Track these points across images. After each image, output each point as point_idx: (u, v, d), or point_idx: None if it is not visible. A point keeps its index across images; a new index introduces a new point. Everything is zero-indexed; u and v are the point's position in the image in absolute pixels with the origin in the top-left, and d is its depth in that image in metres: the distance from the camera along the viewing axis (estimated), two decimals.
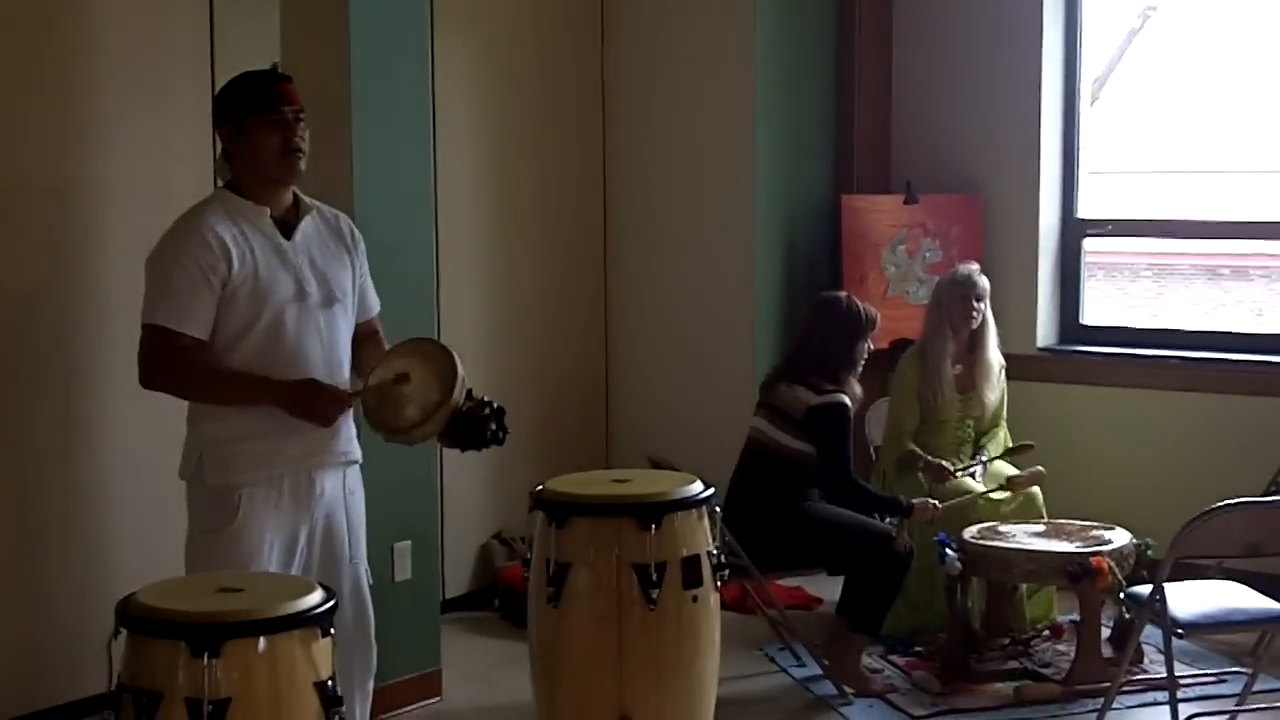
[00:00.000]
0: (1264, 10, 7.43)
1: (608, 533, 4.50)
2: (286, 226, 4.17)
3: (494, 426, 4.16)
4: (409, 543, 5.70)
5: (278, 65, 4.30)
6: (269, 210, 4.14)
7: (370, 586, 4.36)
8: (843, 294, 6.23)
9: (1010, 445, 6.63)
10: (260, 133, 4.09)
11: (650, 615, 4.46)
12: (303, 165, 4.14)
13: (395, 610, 5.32)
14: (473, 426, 4.14)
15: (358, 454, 4.31)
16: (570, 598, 4.51)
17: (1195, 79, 7.74)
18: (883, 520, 5.98)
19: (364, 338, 4.37)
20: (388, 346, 4.38)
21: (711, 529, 4.65)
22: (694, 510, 4.59)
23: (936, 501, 6.03)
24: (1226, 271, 7.87)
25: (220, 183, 4.25)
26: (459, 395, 4.07)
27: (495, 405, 4.17)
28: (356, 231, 4.38)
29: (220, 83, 4.33)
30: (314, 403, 4.07)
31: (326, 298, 4.18)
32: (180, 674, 3.27)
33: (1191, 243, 7.70)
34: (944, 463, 6.37)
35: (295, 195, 4.22)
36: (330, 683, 3.42)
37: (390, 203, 5.51)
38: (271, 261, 4.10)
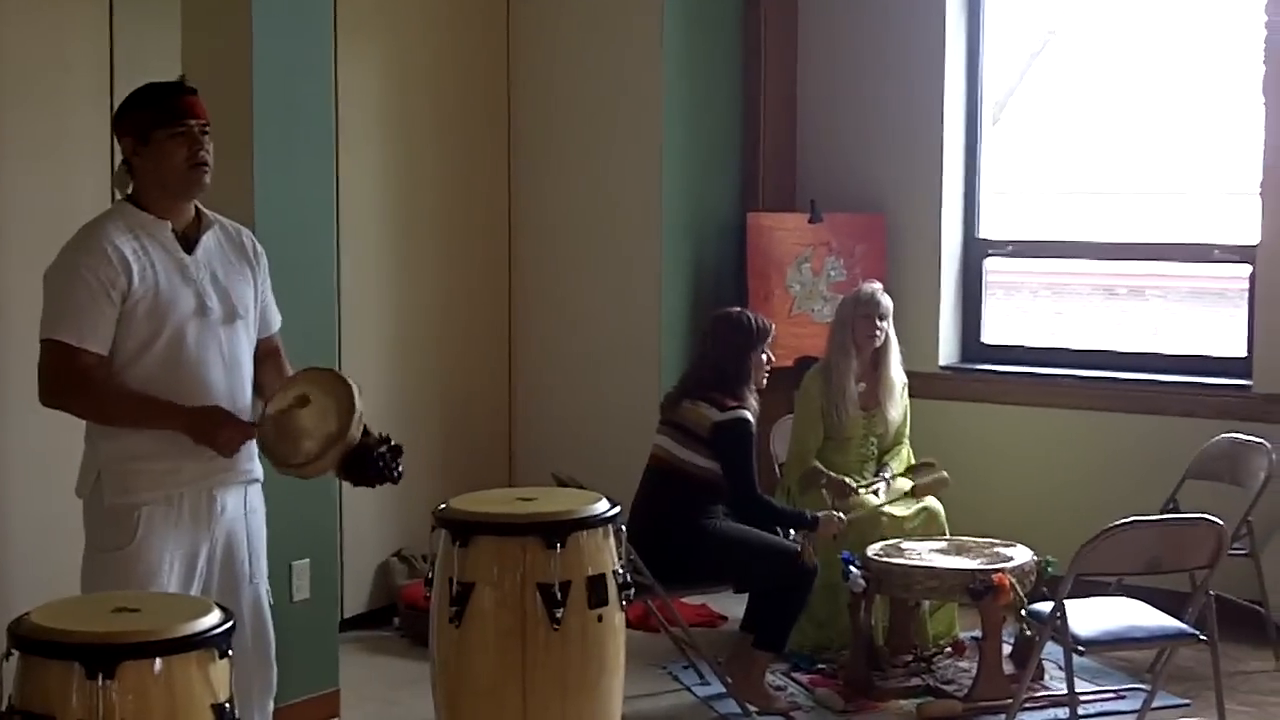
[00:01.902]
0: (1161, 34, 7.54)
1: (512, 552, 4.46)
2: (188, 241, 4.10)
3: (390, 464, 4.09)
4: (307, 561, 5.64)
5: (185, 77, 4.23)
6: (170, 224, 4.08)
7: (270, 606, 4.30)
8: (736, 309, 6.24)
9: (913, 462, 6.67)
10: (166, 146, 4.02)
11: (554, 635, 4.44)
12: (208, 179, 4.08)
13: (293, 629, 5.25)
14: (368, 463, 4.05)
15: (259, 472, 4.24)
16: (474, 617, 4.47)
17: (1094, 101, 7.83)
18: (788, 535, 5.99)
19: (265, 355, 4.30)
20: (289, 365, 4.33)
21: (617, 547, 4.63)
22: (600, 529, 4.57)
23: (841, 514, 6.06)
24: (1123, 291, 7.96)
25: (118, 195, 4.18)
26: (355, 431, 3.99)
27: (392, 443, 4.10)
28: (259, 246, 4.32)
29: (120, 96, 4.26)
30: (218, 432, 4.01)
31: (228, 313, 4.12)
32: (74, 696, 3.20)
33: (1089, 263, 7.78)
34: (846, 479, 6.39)
35: (197, 209, 4.16)
36: (228, 705, 3.37)
37: (292, 217, 5.45)
38: (173, 277, 4.04)
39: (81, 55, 5.71)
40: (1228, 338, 7.18)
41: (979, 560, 5.94)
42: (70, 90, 5.67)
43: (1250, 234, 6.92)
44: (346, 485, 6.31)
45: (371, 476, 4.07)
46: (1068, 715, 5.33)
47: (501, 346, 7.70)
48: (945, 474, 6.54)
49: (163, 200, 4.07)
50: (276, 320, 4.38)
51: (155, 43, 5.63)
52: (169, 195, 4.07)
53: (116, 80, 5.67)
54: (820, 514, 6.00)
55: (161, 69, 4.86)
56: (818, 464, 6.47)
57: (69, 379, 3.96)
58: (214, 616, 3.41)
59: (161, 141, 4.02)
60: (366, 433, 4.03)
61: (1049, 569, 5.93)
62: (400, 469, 4.09)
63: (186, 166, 4.03)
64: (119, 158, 4.16)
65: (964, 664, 6.19)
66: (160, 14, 5.60)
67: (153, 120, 4.03)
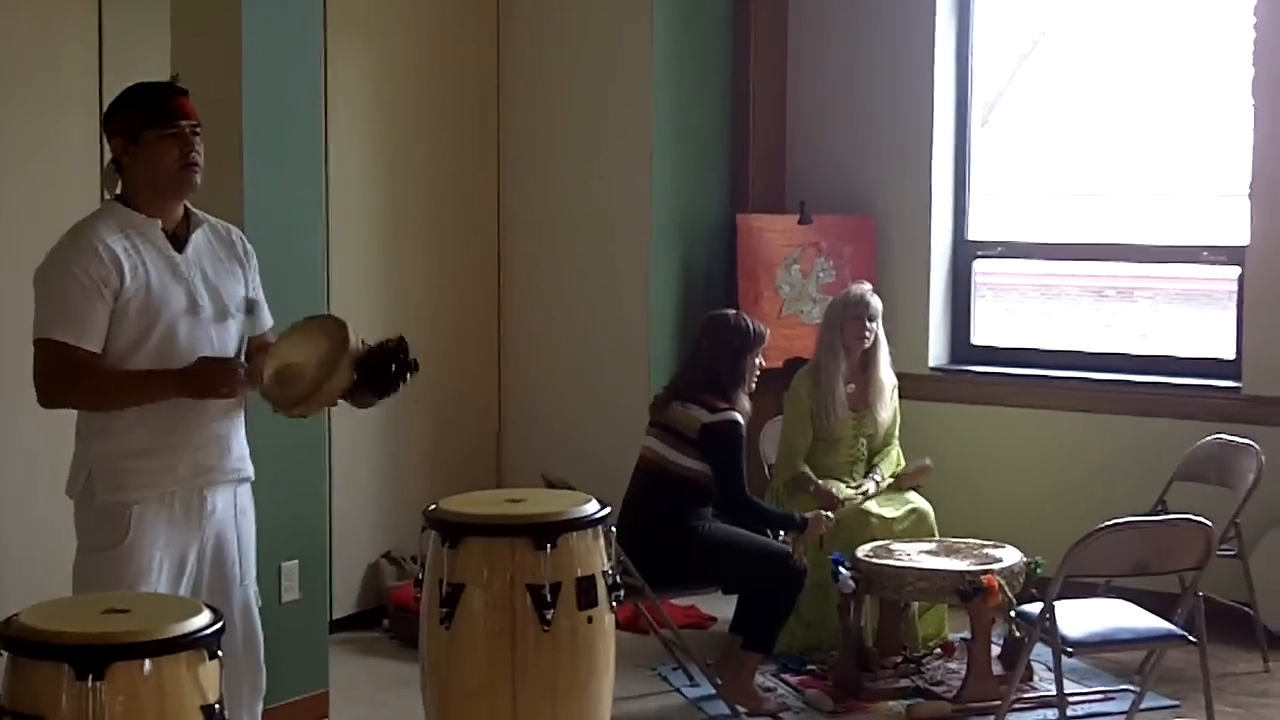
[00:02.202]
0: (1151, 36, 7.55)
1: (502, 553, 4.46)
2: (178, 239, 4.11)
3: (405, 358, 4.07)
4: (296, 562, 5.64)
5: (177, 77, 4.23)
6: (160, 223, 4.08)
7: (259, 607, 4.29)
8: (731, 311, 6.25)
9: (903, 465, 6.67)
10: (157, 146, 4.02)
11: (544, 636, 4.44)
12: (199, 180, 4.09)
13: (283, 630, 5.24)
14: (383, 365, 4.05)
15: (250, 471, 4.24)
16: (463, 619, 4.47)
17: (1084, 103, 7.83)
18: (777, 536, 6.00)
19: (257, 350, 4.30)
20: None
21: (607, 549, 4.63)
22: (589, 530, 4.57)
23: (830, 514, 6.06)
24: (1112, 293, 7.96)
25: (107, 194, 4.17)
26: (355, 341, 4.00)
27: (395, 338, 4.10)
28: (249, 244, 4.32)
29: (109, 96, 4.26)
30: (212, 378, 4.00)
31: (219, 311, 4.12)
32: (64, 697, 3.21)
33: (1078, 264, 7.80)
34: (834, 489, 6.38)
35: (186, 208, 4.16)
36: (217, 706, 3.38)
37: (281, 217, 5.45)
38: (164, 275, 4.04)
39: (71, 55, 5.70)
40: (1216, 339, 7.19)
41: (968, 561, 5.95)
42: (59, 90, 5.66)
43: (1239, 236, 6.93)
44: (337, 483, 6.44)
45: (395, 376, 4.07)
46: (1056, 716, 5.34)
47: (491, 347, 7.70)
48: (928, 461, 6.52)
49: (153, 200, 4.07)
50: (269, 318, 4.38)
51: (145, 42, 5.63)
52: (160, 195, 4.07)
53: (106, 80, 5.66)
54: (808, 514, 6.01)
55: (151, 69, 4.88)
56: (806, 470, 6.46)
57: (67, 376, 3.96)
58: (204, 617, 3.41)
59: (152, 142, 4.02)
60: (364, 343, 4.03)
61: (1038, 570, 5.94)
62: (413, 363, 4.09)
63: (177, 167, 4.03)
64: (109, 157, 4.15)
65: (953, 665, 6.19)
66: (150, 14, 5.59)
67: (144, 120, 4.03)
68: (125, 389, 4.00)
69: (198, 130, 4.08)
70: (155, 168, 4.03)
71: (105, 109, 4.19)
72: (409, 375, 4.11)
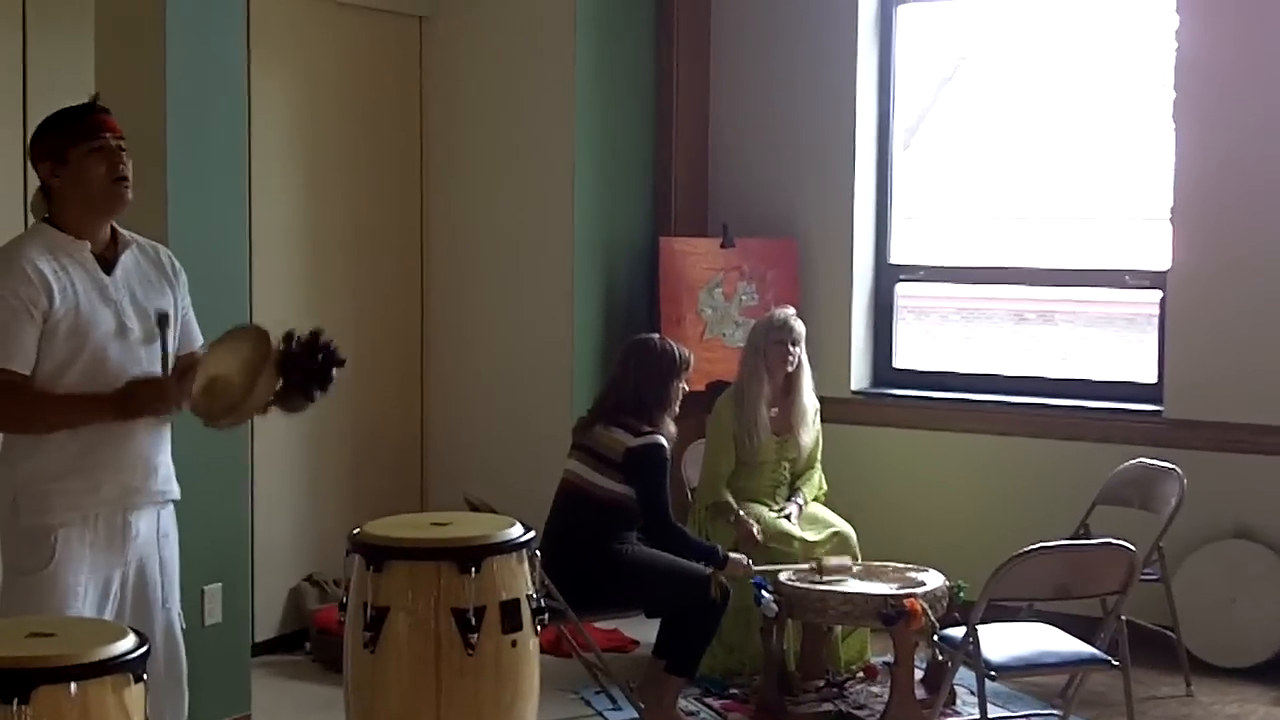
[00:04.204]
0: (1073, 61, 7.62)
1: (427, 576, 4.43)
2: (106, 262, 4.07)
3: (325, 345, 4.01)
4: (219, 585, 5.61)
5: (97, 97, 4.18)
6: (89, 245, 4.04)
7: (183, 630, 4.25)
8: (655, 335, 6.25)
9: (825, 488, 6.68)
10: (87, 162, 3.99)
11: (469, 660, 4.40)
12: (129, 195, 4.05)
13: (205, 654, 5.20)
14: (306, 362, 3.99)
15: (176, 492, 4.21)
16: (388, 642, 4.43)
17: (1006, 127, 7.89)
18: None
19: (187, 371, 4.26)
20: None
21: (531, 572, 4.61)
22: (514, 554, 4.55)
23: (749, 560, 6.04)
24: (1033, 316, 8.01)
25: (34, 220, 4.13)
26: (275, 343, 3.96)
27: (313, 332, 4.02)
28: (177, 263, 4.29)
29: (34, 117, 4.22)
30: (144, 398, 3.97)
31: (147, 333, 4.08)
32: None
33: (1000, 288, 7.84)
34: (754, 526, 6.35)
35: (114, 229, 4.13)
36: None
37: (204, 235, 5.44)
38: (92, 297, 4.00)
39: None
40: (1138, 363, 7.25)
41: (891, 585, 5.96)
42: None
43: (1161, 260, 6.99)
44: (259, 506, 6.39)
45: (321, 369, 4.01)
46: None
47: (414, 369, 7.67)
48: (851, 563, 6.42)
49: (84, 219, 4.03)
50: (198, 337, 4.34)
51: (69, 62, 5.59)
52: (91, 213, 4.03)
53: (30, 101, 5.62)
54: (732, 555, 5.99)
55: (76, 88, 4.82)
56: (729, 498, 6.45)
57: None
58: (129, 641, 3.37)
59: (81, 158, 3.99)
60: (287, 340, 3.98)
61: (961, 594, 5.95)
62: (337, 353, 4.02)
63: (108, 180, 4.01)
64: (34, 184, 4.11)
65: (876, 689, 6.21)
66: (74, 34, 5.55)
67: (69, 137, 4.00)
68: (55, 412, 3.96)
69: (124, 146, 4.05)
70: (85, 183, 4.00)
71: (30, 138, 4.13)
72: (334, 369, 4.04)
